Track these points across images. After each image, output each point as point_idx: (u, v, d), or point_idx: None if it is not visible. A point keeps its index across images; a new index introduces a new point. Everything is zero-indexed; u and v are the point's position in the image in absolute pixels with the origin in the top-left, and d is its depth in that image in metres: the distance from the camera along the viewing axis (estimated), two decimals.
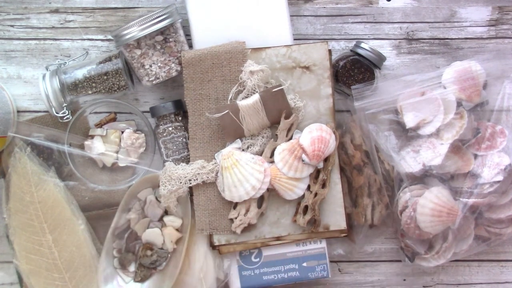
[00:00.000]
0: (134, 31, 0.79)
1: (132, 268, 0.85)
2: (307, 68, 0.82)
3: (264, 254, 0.84)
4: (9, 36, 0.88)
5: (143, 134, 0.86)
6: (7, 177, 0.83)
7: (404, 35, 0.89)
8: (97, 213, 0.86)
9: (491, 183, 0.82)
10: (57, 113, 0.83)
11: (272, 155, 0.82)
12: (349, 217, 0.84)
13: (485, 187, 0.82)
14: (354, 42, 0.87)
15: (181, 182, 0.81)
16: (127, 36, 0.79)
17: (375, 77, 0.85)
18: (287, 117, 0.81)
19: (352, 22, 0.89)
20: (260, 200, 0.82)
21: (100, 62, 0.83)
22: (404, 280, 0.90)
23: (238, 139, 0.82)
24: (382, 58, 0.86)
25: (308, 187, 0.82)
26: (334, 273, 0.90)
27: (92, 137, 0.86)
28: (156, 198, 0.85)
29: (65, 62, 0.85)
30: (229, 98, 0.82)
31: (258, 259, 0.84)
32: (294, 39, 0.85)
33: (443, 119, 0.82)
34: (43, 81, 0.82)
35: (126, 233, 0.85)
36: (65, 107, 0.83)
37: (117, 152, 0.85)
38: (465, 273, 0.91)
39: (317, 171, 0.82)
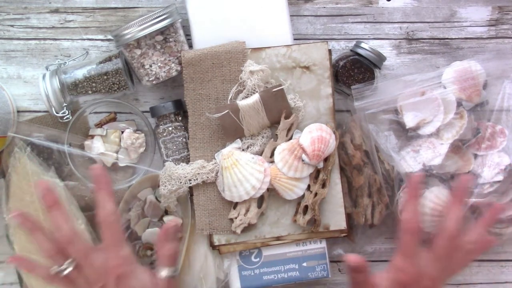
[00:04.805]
0: (134, 31, 0.79)
1: None
2: (307, 68, 0.82)
3: (264, 254, 0.84)
4: (9, 36, 0.88)
5: (143, 134, 0.86)
6: (7, 177, 0.83)
7: (404, 35, 0.89)
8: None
9: (491, 183, 0.82)
10: (57, 113, 0.83)
11: (272, 155, 0.82)
12: (349, 217, 0.84)
13: (485, 187, 0.82)
14: (354, 42, 0.87)
15: (181, 182, 0.81)
16: (127, 36, 0.79)
17: (375, 77, 0.85)
18: (287, 117, 0.81)
19: (352, 22, 0.89)
20: (260, 200, 0.82)
21: (100, 62, 0.83)
22: None
23: (238, 139, 0.82)
24: (382, 58, 0.86)
25: (308, 187, 0.82)
26: (334, 273, 0.90)
27: (92, 137, 0.86)
28: (156, 198, 0.85)
29: (65, 62, 0.85)
30: (229, 98, 0.82)
31: (258, 259, 0.84)
32: (294, 39, 0.85)
33: (443, 119, 0.82)
34: (43, 81, 0.82)
35: (126, 233, 0.85)
36: (65, 107, 0.83)
37: (117, 152, 0.85)
38: (465, 273, 0.90)
39: (317, 171, 0.82)
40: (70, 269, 0.72)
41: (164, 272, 0.74)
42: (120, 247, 0.72)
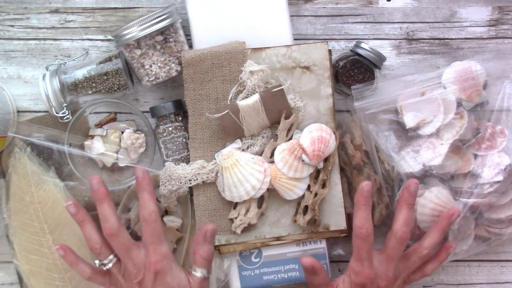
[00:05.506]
0: (134, 31, 0.79)
1: None
2: (307, 68, 0.82)
3: (264, 254, 0.84)
4: (9, 36, 0.88)
5: (143, 134, 0.86)
6: (7, 177, 0.83)
7: (404, 35, 0.89)
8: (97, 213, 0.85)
9: (491, 183, 0.82)
10: (57, 113, 0.83)
11: (272, 155, 0.82)
12: (349, 217, 0.84)
13: (485, 187, 0.82)
14: (354, 42, 0.87)
15: (181, 182, 0.81)
16: (127, 36, 0.79)
17: (375, 77, 0.85)
18: (287, 117, 0.81)
19: (352, 22, 0.89)
20: (260, 200, 0.82)
21: (100, 62, 0.83)
22: None
23: (238, 139, 0.82)
24: (382, 58, 0.86)
25: (308, 187, 0.82)
26: (334, 273, 0.90)
27: (92, 137, 0.86)
28: (156, 198, 0.85)
29: (65, 62, 0.85)
30: (229, 98, 0.82)
31: (258, 259, 0.84)
32: (294, 39, 0.85)
33: (443, 119, 0.82)
34: (43, 81, 0.82)
35: None
36: (65, 107, 0.83)
37: (117, 152, 0.85)
38: (465, 273, 0.91)
39: (317, 171, 0.82)
40: (113, 262, 0.76)
41: (198, 273, 0.77)
42: (160, 244, 0.75)
